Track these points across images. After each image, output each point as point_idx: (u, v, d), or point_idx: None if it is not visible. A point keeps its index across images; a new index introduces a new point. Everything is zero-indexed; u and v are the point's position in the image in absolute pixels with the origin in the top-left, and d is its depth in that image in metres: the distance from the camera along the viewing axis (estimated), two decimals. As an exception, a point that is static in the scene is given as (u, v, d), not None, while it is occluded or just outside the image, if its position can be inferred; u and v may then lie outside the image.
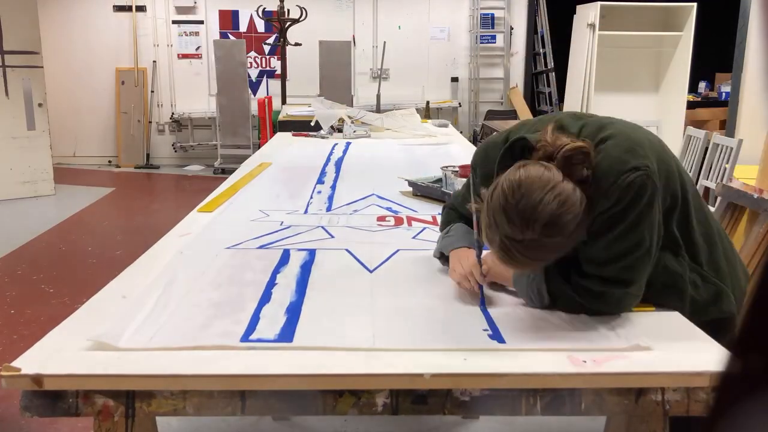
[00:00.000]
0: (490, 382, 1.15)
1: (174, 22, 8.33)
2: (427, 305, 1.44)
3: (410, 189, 2.61)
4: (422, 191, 2.54)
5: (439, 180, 2.55)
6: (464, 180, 2.02)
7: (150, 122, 8.46)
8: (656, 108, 5.95)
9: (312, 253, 1.81)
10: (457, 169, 2.52)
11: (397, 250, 1.84)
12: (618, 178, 1.30)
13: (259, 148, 4.52)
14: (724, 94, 7.49)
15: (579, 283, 1.36)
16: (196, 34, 8.37)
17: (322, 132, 4.33)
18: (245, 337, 1.26)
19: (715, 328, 1.35)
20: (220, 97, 7.79)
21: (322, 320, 1.36)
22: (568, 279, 1.38)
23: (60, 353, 1.19)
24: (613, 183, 1.29)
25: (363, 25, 8.33)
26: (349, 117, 4.42)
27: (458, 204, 1.72)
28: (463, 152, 3.65)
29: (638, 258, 1.33)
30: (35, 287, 4.05)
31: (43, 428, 2.51)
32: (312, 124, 4.50)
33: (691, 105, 6.71)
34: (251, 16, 8.19)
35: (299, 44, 7.20)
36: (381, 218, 2.21)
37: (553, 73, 8.01)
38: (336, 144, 3.98)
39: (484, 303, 1.46)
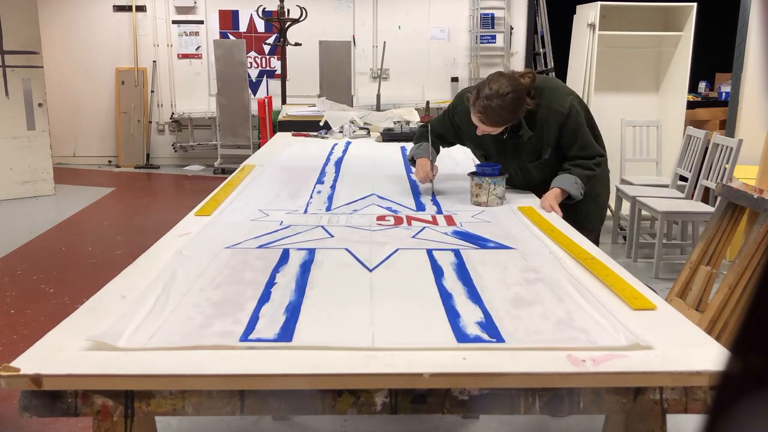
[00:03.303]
0: (489, 382, 1.15)
1: (174, 22, 8.33)
2: (427, 304, 1.44)
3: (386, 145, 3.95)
4: (388, 137, 4.07)
5: (391, 129, 4.16)
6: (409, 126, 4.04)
7: (150, 122, 8.46)
8: (656, 108, 5.94)
9: (311, 252, 1.81)
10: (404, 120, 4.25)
11: (397, 249, 1.84)
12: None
13: (259, 148, 4.52)
14: (724, 94, 7.49)
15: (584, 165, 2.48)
16: (196, 34, 8.37)
17: (321, 132, 4.33)
18: (244, 337, 1.26)
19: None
20: (220, 97, 7.79)
21: (322, 320, 1.36)
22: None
23: (59, 353, 1.19)
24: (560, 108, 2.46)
25: (363, 25, 8.33)
26: (360, 119, 4.46)
27: (433, 123, 2.77)
28: (462, 151, 3.65)
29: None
30: (35, 287, 4.05)
31: (43, 428, 2.51)
32: (321, 124, 4.51)
33: (691, 105, 6.70)
34: (251, 16, 8.19)
35: (299, 44, 7.20)
36: (381, 218, 2.21)
37: (553, 73, 7.99)
38: (336, 144, 3.99)
39: (434, 194, 2.57)
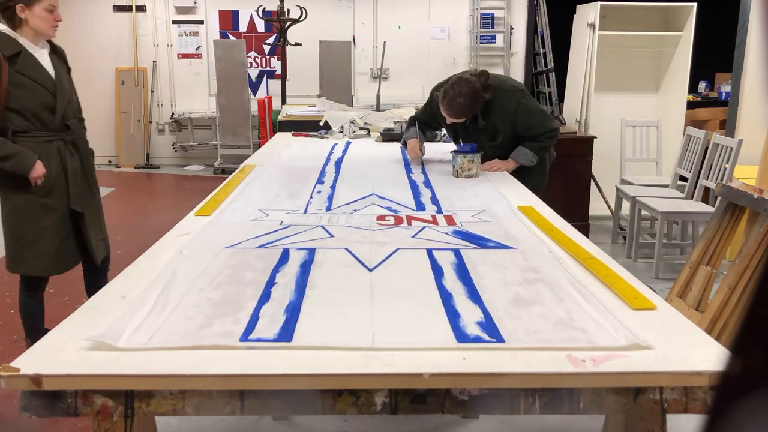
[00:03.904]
0: (489, 382, 1.15)
1: (174, 22, 8.33)
2: (427, 304, 1.44)
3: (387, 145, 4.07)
4: (388, 137, 4.12)
5: (391, 129, 4.23)
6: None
7: (150, 122, 8.46)
8: (656, 108, 5.94)
9: (311, 252, 1.81)
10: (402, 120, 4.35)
11: (397, 249, 1.84)
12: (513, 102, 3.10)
13: (259, 148, 4.52)
14: (724, 94, 7.49)
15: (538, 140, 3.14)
16: (196, 34, 8.37)
17: (321, 132, 4.33)
18: (244, 337, 1.26)
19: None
20: (220, 97, 7.79)
21: (322, 319, 1.36)
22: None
23: (59, 353, 1.19)
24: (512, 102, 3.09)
25: (363, 25, 8.33)
26: (360, 119, 4.45)
27: (419, 113, 3.51)
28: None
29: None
30: (35, 287, 4.04)
31: (43, 428, 2.51)
32: (321, 123, 4.51)
33: (691, 105, 6.70)
34: (251, 16, 8.19)
35: (299, 44, 7.20)
36: (381, 217, 2.21)
37: (553, 73, 8.00)
38: (336, 144, 3.99)
39: (424, 167, 3.21)
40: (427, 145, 3.51)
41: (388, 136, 4.13)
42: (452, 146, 3.76)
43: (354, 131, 4.30)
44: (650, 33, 5.83)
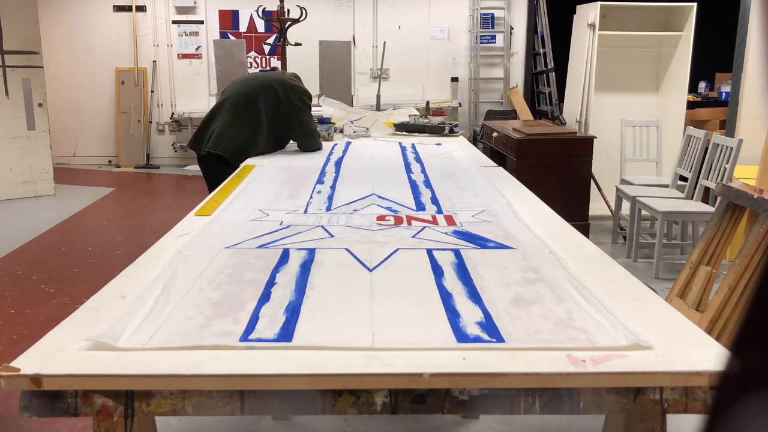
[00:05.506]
0: (489, 382, 1.15)
1: (174, 22, 8.33)
2: (427, 304, 1.44)
3: (401, 134, 4.42)
4: (402, 128, 4.44)
5: (405, 122, 4.51)
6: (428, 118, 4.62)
7: (150, 122, 8.46)
8: (656, 108, 5.93)
9: (311, 252, 1.80)
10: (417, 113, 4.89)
11: (397, 249, 1.84)
12: None
13: (259, 148, 4.51)
14: (724, 94, 7.49)
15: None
16: (196, 34, 8.37)
17: (322, 132, 4.33)
18: (244, 337, 1.26)
19: None
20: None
21: (322, 320, 1.36)
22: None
23: (59, 353, 1.19)
24: None
25: (363, 25, 8.33)
26: (355, 121, 4.45)
27: None
28: (464, 154, 3.65)
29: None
30: (35, 287, 4.05)
31: (43, 428, 2.51)
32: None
33: (691, 105, 6.70)
34: (251, 16, 8.19)
35: (299, 44, 7.20)
36: (381, 217, 2.21)
37: (553, 73, 7.99)
38: (336, 144, 3.99)
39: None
40: (426, 144, 3.60)
41: (401, 128, 4.45)
42: (439, 140, 3.81)
43: (354, 131, 4.30)
44: (650, 33, 5.83)
